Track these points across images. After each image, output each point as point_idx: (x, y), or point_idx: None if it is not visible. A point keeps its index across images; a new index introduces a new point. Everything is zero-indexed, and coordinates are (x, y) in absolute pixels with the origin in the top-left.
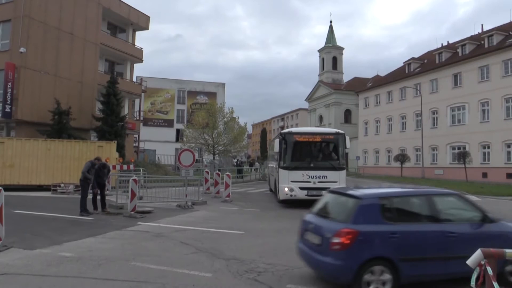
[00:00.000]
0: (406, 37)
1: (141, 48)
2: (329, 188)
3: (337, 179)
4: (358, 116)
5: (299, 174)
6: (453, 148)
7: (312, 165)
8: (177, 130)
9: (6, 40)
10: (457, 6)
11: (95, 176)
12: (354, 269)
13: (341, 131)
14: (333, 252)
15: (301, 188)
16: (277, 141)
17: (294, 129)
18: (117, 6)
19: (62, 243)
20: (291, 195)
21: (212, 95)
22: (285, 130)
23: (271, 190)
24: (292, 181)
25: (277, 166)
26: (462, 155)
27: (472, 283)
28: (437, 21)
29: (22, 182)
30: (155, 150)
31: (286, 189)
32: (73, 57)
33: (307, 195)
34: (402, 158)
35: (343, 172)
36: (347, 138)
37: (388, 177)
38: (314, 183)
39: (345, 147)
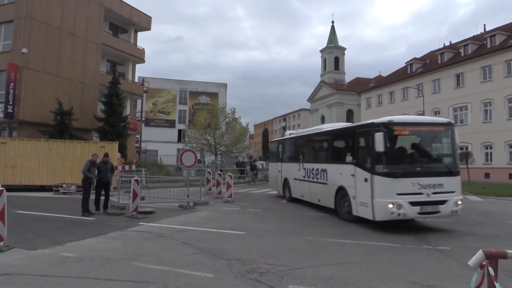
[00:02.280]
0: (406, 38)
1: (143, 49)
2: (447, 201)
3: (454, 188)
4: (360, 117)
5: (407, 183)
6: None
7: (419, 169)
8: (179, 131)
9: (8, 40)
10: (457, 6)
11: (98, 172)
12: None
13: (452, 121)
14: None
15: (412, 204)
16: (379, 136)
17: (395, 118)
18: (119, 6)
19: (64, 243)
20: (399, 214)
21: (214, 95)
22: (383, 120)
23: (291, 198)
24: (399, 194)
25: (370, 172)
26: (464, 155)
27: (472, 284)
28: (437, 22)
29: (24, 182)
30: (157, 151)
31: (391, 205)
32: (75, 57)
33: (420, 213)
34: None
35: (459, 178)
36: (456, 130)
37: None
38: (428, 195)
39: (456, 143)
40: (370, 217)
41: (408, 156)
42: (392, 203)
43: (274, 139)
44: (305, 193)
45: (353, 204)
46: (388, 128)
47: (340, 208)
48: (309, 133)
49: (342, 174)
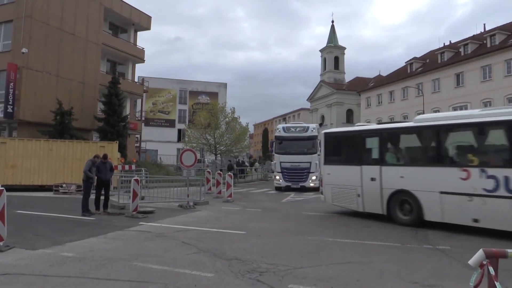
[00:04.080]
0: (405, 38)
1: (143, 48)
2: None
3: None
4: (360, 116)
5: None
6: None
7: None
8: (179, 130)
9: (8, 40)
10: (455, 7)
11: (97, 172)
12: None
13: None
14: None
15: None
16: None
17: None
18: (119, 6)
19: (64, 243)
20: None
21: (213, 95)
22: None
23: (421, 221)
24: None
25: None
26: None
27: (471, 283)
28: (435, 22)
29: (24, 182)
30: (157, 150)
31: None
32: (75, 57)
33: None
34: None
35: None
36: None
37: None
38: None
39: None
40: None
41: None
42: None
43: (343, 129)
44: (492, 216)
45: None
46: None
47: None
48: None
49: None
